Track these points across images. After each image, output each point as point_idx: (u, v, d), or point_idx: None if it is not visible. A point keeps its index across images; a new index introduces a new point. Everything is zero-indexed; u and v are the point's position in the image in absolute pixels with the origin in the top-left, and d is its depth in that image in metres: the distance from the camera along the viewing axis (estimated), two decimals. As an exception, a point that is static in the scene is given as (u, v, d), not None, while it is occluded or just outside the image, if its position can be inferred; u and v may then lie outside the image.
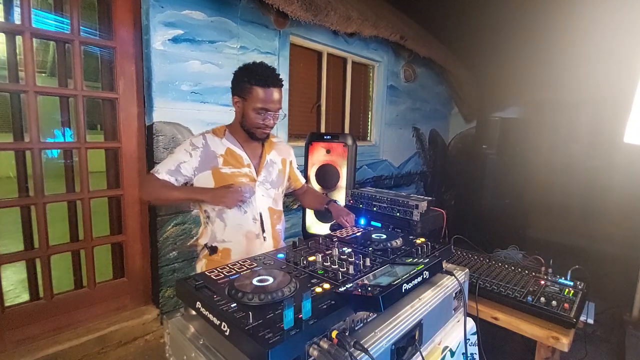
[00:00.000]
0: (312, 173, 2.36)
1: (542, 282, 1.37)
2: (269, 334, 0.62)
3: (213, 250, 1.37)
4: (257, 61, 1.35)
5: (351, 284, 0.80)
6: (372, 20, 3.15)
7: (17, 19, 1.80)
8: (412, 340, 0.86)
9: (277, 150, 1.52)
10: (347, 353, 0.63)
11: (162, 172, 1.31)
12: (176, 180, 1.32)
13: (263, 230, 1.42)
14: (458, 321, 1.11)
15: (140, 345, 2.13)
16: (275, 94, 1.31)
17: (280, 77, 1.33)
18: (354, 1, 3.04)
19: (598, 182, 4.00)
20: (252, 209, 1.39)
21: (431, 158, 5.12)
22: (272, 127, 1.37)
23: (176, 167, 1.32)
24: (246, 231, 1.38)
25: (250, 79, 1.28)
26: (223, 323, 0.68)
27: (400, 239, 1.19)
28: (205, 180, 1.35)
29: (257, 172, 1.42)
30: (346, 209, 1.57)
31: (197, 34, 2.29)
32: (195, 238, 1.62)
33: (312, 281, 0.86)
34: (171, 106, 2.21)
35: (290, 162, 1.61)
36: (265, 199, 1.44)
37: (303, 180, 1.72)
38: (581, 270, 1.40)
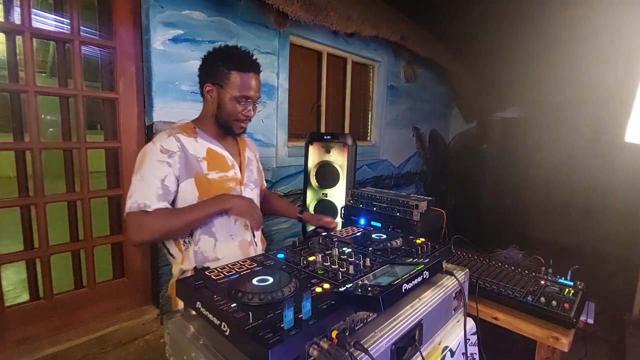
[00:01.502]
0: (312, 173, 2.36)
1: (542, 282, 1.37)
2: (269, 334, 0.62)
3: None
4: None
5: (351, 284, 0.80)
6: (372, 21, 3.15)
7: (17, 18, 1.80)
8: (412, 340, 0.86)
9: (249, 147, 1.42)
10: (347, 353, 0.63)
11: (153, 202, 1.05)
12: (168, 204, 1.10)
13: (254, 236, 1.32)
14: (458, 321, 1.11)
15: (140, 345, 2.13)
16: (256, 80, 1.18)
17: (258, 62, 1.21)
18: (354, 1, 3.04)
19: (599, 181, 4.00)
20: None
21: (431, 158, 5.12)
22: (250, 120, 1.25)
23: (163, 187, 1.08)
24: (239, 241, 1.26)
25: (226, 62, 1.15)
26: (223, 323, 0.68)
27: (400, 239, 1.18)
28: (185, 190, 1.14)
29: (242, 173, 1.30)
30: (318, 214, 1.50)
31: (197, 34, 2.29)
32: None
33: (312, 281, 0.86)
34: (171, 106, 2.21)
35: (258, 162, 1.49)
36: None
37: (265, 183, 1.59)
38: (581, 270, 1.40)
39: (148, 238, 1.07)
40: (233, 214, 1.18)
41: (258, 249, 1.35)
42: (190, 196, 1.16)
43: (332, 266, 0.95)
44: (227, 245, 1.23)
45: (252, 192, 1.34)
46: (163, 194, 1.09)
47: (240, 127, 1.23)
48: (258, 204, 1.39)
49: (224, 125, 1.22)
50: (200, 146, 1.19)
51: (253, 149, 1.46)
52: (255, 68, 1.19)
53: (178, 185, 1.14)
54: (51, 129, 1.99)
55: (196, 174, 1.16)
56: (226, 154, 1.25)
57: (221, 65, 1.16)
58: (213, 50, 1.21)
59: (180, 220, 1.08)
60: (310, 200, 2.39)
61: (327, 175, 2.30)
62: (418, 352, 0.86)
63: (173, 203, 1.16)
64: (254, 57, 1.21)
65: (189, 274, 1.19)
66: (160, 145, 1.12)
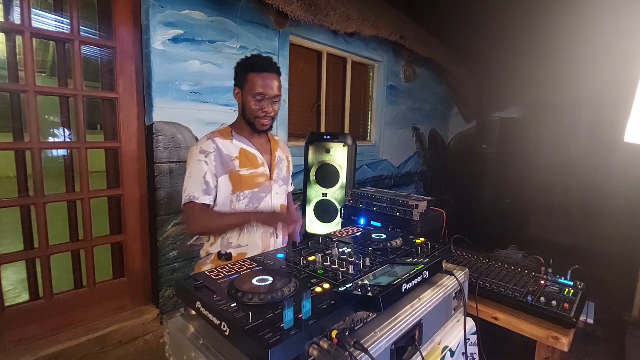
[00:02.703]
0: (312, 173, 2.36)
1: (542, 282, 1.37)
2: (269, 334, 0.62)
3: (228, 257, 1.33)
4: None
5: (351, 284, 0.80)
6: (372, 20, 3.15)
7: (17, 19, 1.80)
8: (412, 340, 0.86)
9: (282, 148, 1.55)
10: (347, 353, 0.63)
11: (200, 196, 1.26)
12: (213, 197, 1.30)
13: (276, 229, 1.42)
14: (458, 321, 1.11)
15: (140, 345, 2.13)
16: (272, 80, 1.30)
17: (278, 65, 1.33)
18: (354, 1, 3.04)
19: (598, 181, 4.00)
20: (269, 209, 1.40)
21: (431, 158, 5.12)
22: (272, 117, 1.35)
23: (205, 183, 1.28)
24: (262, 232, 1.38)
25: (246, 67, 1.31)
26: (223, 323, 0.68)
27: (400, 239, 1.18)
28: (222, 185, 1.32)
29: (271, 171, 1.43)
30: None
31: (197, 34, 2.29)
32: (196, 243, 1.51)
33: (312, 281, 0.86)
34: (171, 106, 2.21)
35: (289, 162, 1.60)
36: (279, 197, 1.45)
37: (291, 188, 1.65)
38: (581, 270, 1.40)
39: (198, 231, 1.38)
40: (259, 225, 1.35)
41: (279, 240, 1.45)
42: (226, 189, 1.33)
43: (332, 266, 0.95)
44: (251, 235, 1.36)
45: (280, 188, 1.46)
46: (206, 189, 1.28)
47: (262, 125, 1.34)
48: (285, 200, 1.52)
49: (249, 123, 1.35)
50: (234, 147, 1.36)
51: (285, 150, 1.58)
52: (270, 68, 1.31)
53: (217, 180, 1.31)
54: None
55: (230, 170, 1.32)
56: (257, 153, 1.39)
57: (243, 70, 1.32)
58: (240, 60, 1.36)
59: (220, 223, 1.31)
60: (310, 200, 2.39)
61: (327, 175, 2.31)
62: (418, 352, 0.86)
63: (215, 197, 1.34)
64: (274, 62, 1.34)
65: (212, 257, 1.35)
66: (200, 147, 1.31)
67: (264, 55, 2.72)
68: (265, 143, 1.46)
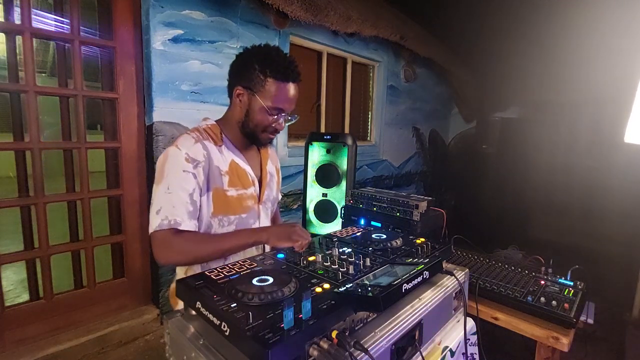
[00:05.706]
0: (312, 173, 2.35)
1: (542, 282, 1.37)
2: (269, 334, 0.62)
3: None
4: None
5: (351, 284, 0.80)
6: (372, 20, 3.15)
7: (17, 19, 1.80)
8: (412, 340, 0.86)
9: (271, 158, 1.31)
10: (347, 353, 0.63)
11: (184, 220, 0.96)
12: (198, 219, 1.02)
13: (264, 251, 1.21)
14: (458, 321, 1.11)
15: (140, 345, 2.13)
16: (293, 90, 1.06)
17: (299, 70, 1.07)
18: (354, 1, 3.04)
19: (598, 182, 4.00)
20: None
21: (431, 158, 5.13)
22: (279, 132, 1.14)
23: (192, 203, 0.98)
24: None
25: (265, 67, 1.01)
26: (223, 323, 0.68)
27: (400, 239, 1.18)
28: (202, 205, 1.04)
29: (261, 191, 1.19)
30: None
31: (197, 34, 2.29)
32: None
33: (312, 281, 0.86)
34: (171, 106, 2.21)
35: (279, 175, 1.38)
36: (266, 220, 1.25)
37: (279, 196, 1.40)
38: (581, 270, 1.40)
39: (174, 261, 0.99)
40: (271, 244, 1.01)
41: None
42: (205, 210, 1.05)
43: (332, 266, 0.95)
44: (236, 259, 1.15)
45: (266, 211, 1.24)
46: (192, 210, 0.99)
47: (269, 138, 1.12)
48: (269, 221, 1.29)
49: (250, 135, 1.10)
50: (224, 158, 1.08)
51: (274, 160, 1.35)
52: (295, 77, 1.06)
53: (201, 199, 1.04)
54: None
55: (215, 188, 1.06)
56: (248, 168, 1.15)
57: (258, 69, 1.01)
58: (252, 49, 1.05)
59: (214, 247, 0.97)
60: (310, 200, 2.39)
61: (327, 175, 2.30)
62: (418, 352, 0.86)
63: None
64: (296, 65, 1.06)
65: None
66: (186, 153, 1.00)
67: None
68: (255, 154, 1.22)
